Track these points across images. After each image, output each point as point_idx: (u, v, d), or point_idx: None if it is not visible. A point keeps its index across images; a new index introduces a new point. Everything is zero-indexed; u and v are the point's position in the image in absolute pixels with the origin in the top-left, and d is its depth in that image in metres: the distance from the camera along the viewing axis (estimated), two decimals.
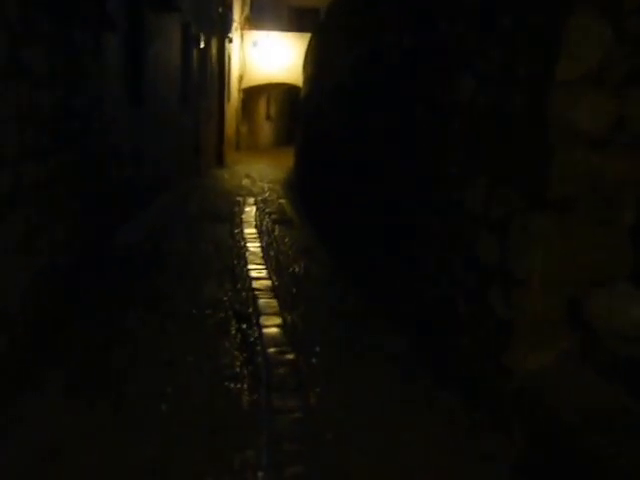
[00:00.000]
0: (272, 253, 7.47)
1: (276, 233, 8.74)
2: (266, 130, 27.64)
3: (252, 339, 4.62)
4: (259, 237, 8.38)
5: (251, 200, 11.89)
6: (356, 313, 5.29)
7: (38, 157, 4.74)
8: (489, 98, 3.61)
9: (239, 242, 8.03)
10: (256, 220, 9.71)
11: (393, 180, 5.36)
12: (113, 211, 7.68)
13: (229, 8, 19.24)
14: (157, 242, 7.73)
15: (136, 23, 8.99)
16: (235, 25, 20.95)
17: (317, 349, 4.46)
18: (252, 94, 24.71)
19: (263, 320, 5.02)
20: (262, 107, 27.16)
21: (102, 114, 7.22)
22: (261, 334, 4.74)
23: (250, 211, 10.57)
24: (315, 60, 11.67)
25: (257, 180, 15.43)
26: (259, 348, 4.45)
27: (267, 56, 23.15)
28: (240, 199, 11.91)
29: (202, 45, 15.16)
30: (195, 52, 14.51)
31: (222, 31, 18.49)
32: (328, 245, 7.68)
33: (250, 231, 8.75)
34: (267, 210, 10.80)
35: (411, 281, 4.73)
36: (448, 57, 4.26)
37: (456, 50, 4.14)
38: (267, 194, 12.96)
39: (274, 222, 9.57)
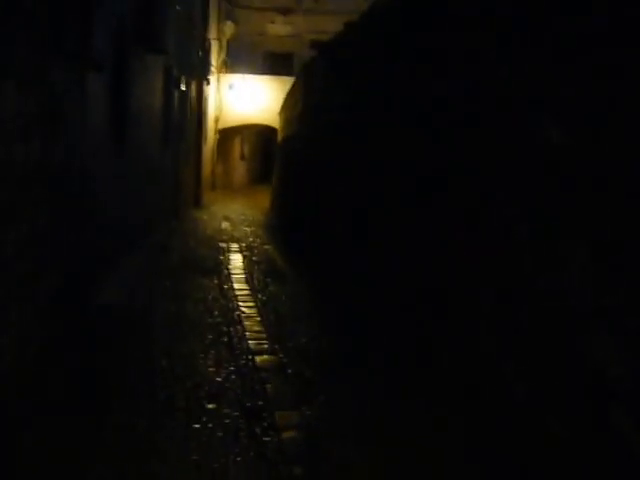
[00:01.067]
0: (271, 317, 6.34)
1: (270, 289, 7.60)
2: (240, 170, 26.58)
3: (271, 453, 3.48)
4: (252, 295, 7.25)
5: (235, 246, 10.76)
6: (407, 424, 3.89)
7: (6, 224, 3.61)
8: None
9: (231, 301, 6.89)
10: (245, 271, 8.58)
11: (408, 236, 4.35)
12: (94, 266, 6.54)
13: (208, 52, 18.24)
14: (141, 303, 6.57)
15: (121, 64, 7.90)
16: (212, 69, 19.97)
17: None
18: (227, 135, 23.67)
19: (279, 419, 3.89)
20: (236, 147, 26.12)
21: (83, 163, 6.09)
22: (280, 441, 3.61)
23: (236, 260, 9.43)
24: (303, 101, 10.68)
25: (237, 223, 14.30)
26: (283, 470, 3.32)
27: (242, 98, 22.19)
28: (224, 245, 10.77)
29: (183, 88, 14.09)
30: (176, 94, 13.43)
31: (201, 74, 17.46)
32: (333, 305, 6.59)
33: (241, 287, 7.60)
34: (254, 258, 9.69)
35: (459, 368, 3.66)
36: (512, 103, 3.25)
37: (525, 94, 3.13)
38: (250, 239, 11.84)
39: (265, 274, 8.43)
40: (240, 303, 6.86)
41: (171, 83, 12.67)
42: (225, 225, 13.72)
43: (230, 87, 22.24)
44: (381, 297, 5.26)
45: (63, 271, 5.52)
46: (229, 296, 7.15)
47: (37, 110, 4.67)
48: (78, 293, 5.94)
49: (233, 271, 8.59)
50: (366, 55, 6.30)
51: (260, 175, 28.81)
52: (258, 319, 6.24)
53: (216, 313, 6.40)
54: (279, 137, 18.72)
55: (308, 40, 24.16)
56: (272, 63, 24.38)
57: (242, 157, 26.86)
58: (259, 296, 7.23)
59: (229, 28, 23.09)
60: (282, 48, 24.26)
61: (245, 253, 10.12)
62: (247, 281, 7.98)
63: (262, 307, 6.70)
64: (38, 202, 4.75)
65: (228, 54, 23.13)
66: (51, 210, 5.10)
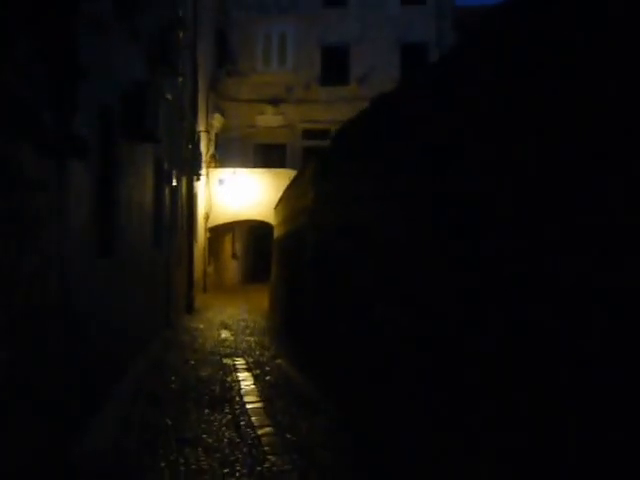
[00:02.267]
0: (316, 475, 4.85)
1: (300, 425, 6.08)
2: (232, 269, 25.29)
3: None
4: (279, 436, 5.76)
5: (241, 363, 9.29)
6: None
7: None
8: None
9: (255, 448, 5.39)
10: (261, 399, 7.09)
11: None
12: (77, 403, 5.11)
13: (197, 145, 17.31)
14: (134, 455, 5.09)
15: (108, 154, 6.72)
16: (202, 164, 19.02)
17: None
18: (217, 232, 22.53)
19: None
20: (227, 245, 24.93)
21: (63, 275, 4.77)
22: None
23: (247, 382, 7.94)
24: (314, 193, 9.50)
25: (238, 331, 12.84)
26: None
27: (233, 193, 21.18)
28: (228, 362, 9.30)
29: (174, 183, 12.99)
30: (167, 190, 12.30)
31: (191, 169, 16.45)
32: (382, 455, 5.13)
33: (262, 423, 6.10)
34: (268, 378, 8.21)
35: None
36: None
37: None
38: (257, 351, 10.37)
39: (286, 401, 6.94)
40: (266, 448, 5.39)
41: (162, 177, 11.55)
42: (225, 335, 12.25)
43: (220, 182, 21.27)
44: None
45: (39, 416, 4.10)
46: (250, 439, 5.66)
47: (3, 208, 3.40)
48: (57, 442, 4.49)
49: (246, 398, 7.10)
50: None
51: (253, 274, 27.54)
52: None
53: (239, 470, 4.92)
54: (276, 233, 17.56)
55: (300, 130, 23.62)
56: (263, 155, 23.60)
57: (234, 255, 25.63)
58: (288, 437, 5.75)
59: (217, 121, 22.39)
60: (273, 139, 23.54)
61: (255, 372, 8.65)
62: (268, 414, 6.49)
63: (299, 458, 5.21)
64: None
65: (217, 148, 22.30)
66: (20, 340, 3.74)
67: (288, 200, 13.58)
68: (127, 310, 7.71)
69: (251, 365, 9.12)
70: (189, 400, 6.91)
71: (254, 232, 27.20)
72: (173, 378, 8.01)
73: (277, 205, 17.22)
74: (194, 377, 8.14)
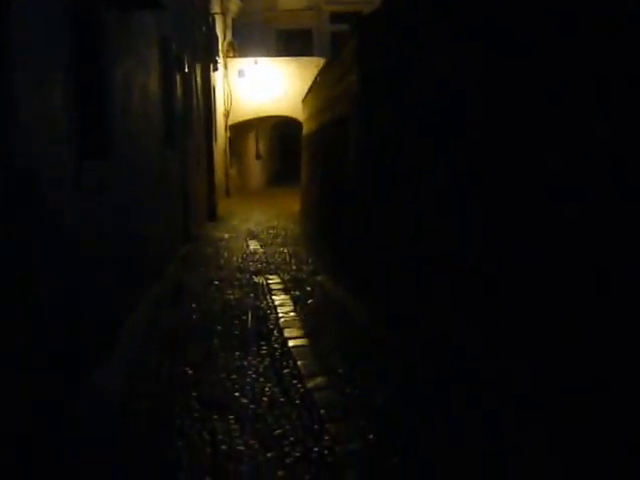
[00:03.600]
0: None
1: (363, 377, 4.61)
2: (256, 171, 23.64)
3: None
4: (341, 400, 4.26)
5: (276, 281, 7.82)
6: None
7: None
8: None
9: (309, 421, 3.93)
10: (307, 334, 5.60)
11: None
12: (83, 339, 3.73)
13: (212, 29, 15.32)
14: (138, 436, 3.70)
15: (90, 20, 5.02)
16: (218, 54, 17.07)
17: None
18: (239, 131, 20.77)
19: None
20: (251, 145, 23.19)
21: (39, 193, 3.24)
22: None
23: (286, 309, 6.43)
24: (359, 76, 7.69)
25: (268, 240, 11.35)
26: None
27: (255, 86, 19.25)
28: (260, 280, 7.84)
29: (186, 69, 11.20)
30: (178, 78, 10.54)
31: (207, 56, 14.56)
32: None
33: (315, 379, 4.61)
34: (310, 303, 6.73)
35: None
36: None
37: None
38: (293, 265, 8.88)
39: (339, 339, 5.47)
40: (322, 412, 3.94)
41: (171, 62, 9.78)
42: (254, 246, 10.77)
43: (240, 74, 19.31)
44: None
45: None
46: (298, 397, 4.22)
47: None
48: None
49: (287, 332, 5.64)
50: None
51: (279, 175, 25.92)
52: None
53: (288, 453, 3.48)
54: (305, 129, 15.79)
55: (328, 12, 21.30)
56: (287, 43, 21.44)
57: (258, 156, 23.92)
58: (349, 391, 4.28)
59: (234, 4, 20.17)
60: (297, 24, 21.31)
61: (294, 293, 7.16)
62: (317, 355, 5.03)
63: (368, 426, 3.75)
64: None
65: (235, 35, 20.20)
66: None
67: (320, 88, 11.75)
68: (133, 226, 6.21)
69: (288, 284, 7.64)
70: (214, 337, 5.47)
71: (279, 129, 25.38)
72: (194, 306, 6.55)
73: (306, 97, 15.36)
74: (220, 304, 6.69)
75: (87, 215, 4.56)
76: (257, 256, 9.73)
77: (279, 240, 11.45)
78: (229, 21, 19.67)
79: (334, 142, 9.59)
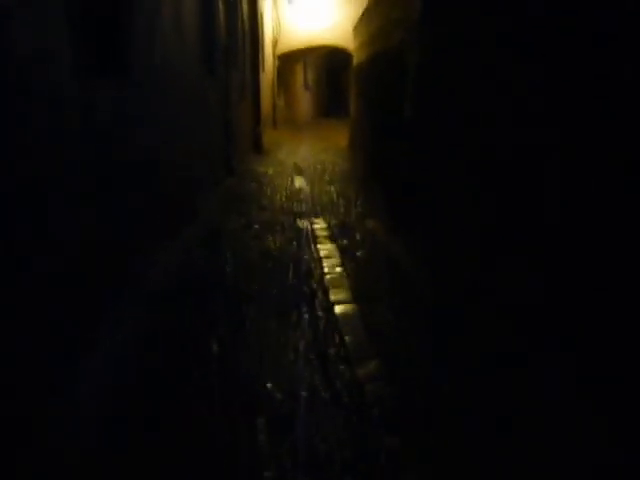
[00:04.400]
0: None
1: (431, 371, 3.56)
2: (304, 102, 22.28)
3: None
4: (400, 397, 3.24)
5: (322, 227, 6.73)
6: None
7: None
8: None
9: (358, 424, 2.93)
10: (356, 298, 4.54)
11: None
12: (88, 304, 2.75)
13: None
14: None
15: None
16: None
17: None
18: (287, 60, 19.39)
19: None
20: (299, 75, 21.76)
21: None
22: None
23: (333, 265, 5.36)
24: None
25: (314, 177, 10.22)
26: None
27: (305, 14, 17.76)
28: (305, 226, 6.77)
29: None
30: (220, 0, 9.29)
31: None
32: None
33: (367, 363, 3.55)
34: (360, 255, 5.63)
35: None
36: None
37: None
38: (341, 208, 7.77)
39: (395, 305, 4.40)
40: (374, 411, 2.93)
41: None
42: (299, 183, 9.67)
43: (289, 1, 17.83)
44: None
45: None
46: (346, 391, 3.19)
47: None
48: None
49: (333, 295, 4.57)
50: None
51: (328, 107, 24.50)
52: None
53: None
54: (356, 59, 14.36)
55: None
56: None
57: (306, 86, 22.51)
58: (408, 389, 3.25)
59: None
60: None
61: (341, 243, 6.07)
62: (369, 328, 3.97)
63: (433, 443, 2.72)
64: None
65: None
66: None
67: (374, 14, 10.35)
68: (163, 157, 5.15)
69: (334, 230, 6.56)
70: (248, 300, 4.45)
71: (328, 59, 23.84)
72: (228, 256, 5.54)
73: (357, 24, 13.88)
74: (258, 253, 5.65)
75: (107, 145, 3.51)
76: (302, 195, 8.64)
77: (326, 177, 10.31)
78: None
79: (388, 73, 8.30)
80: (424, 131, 6.09)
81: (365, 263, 5.39)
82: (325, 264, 5.33)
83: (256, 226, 6.66)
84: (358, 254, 5.65)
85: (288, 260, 5.44)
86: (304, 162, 12.09)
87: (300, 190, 9.00)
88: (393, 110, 7.76)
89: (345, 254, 5.63)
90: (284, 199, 8.28)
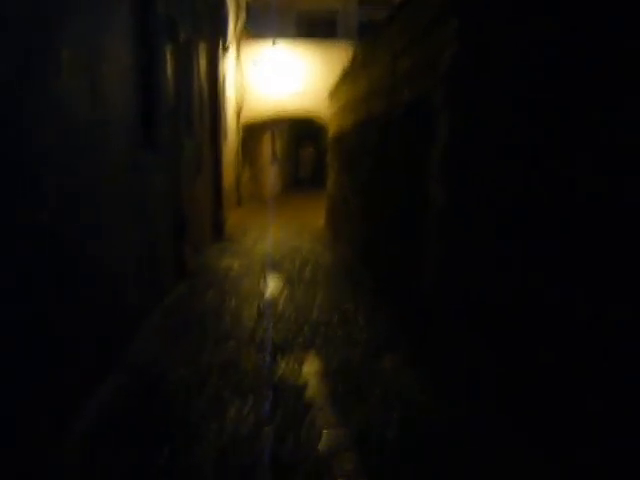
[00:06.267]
0: None
1: None
2: (272, 175, 20.22)
3: None
4: None
5: (317, 373, 4.45)
6: None
7: None
8: None
9: None
10: None
11: None
12: None
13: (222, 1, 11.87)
14: None
15: None
16: (230, 34, 13.69)
17: None
18: (253, 129, 17.40)
19: None
20: (266, 145, 19.77)
21: None
22: None
23: (350, 468, 3.10)
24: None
25: (293, 275, 7.88)
26: None
27: (272, 78, 15.87)
28: (287, 374, 4.45)
29: (182, 40, 7.79)
30: (169, 51, 7.17)
31: (214, 34, 11.16)
32: None
33: None
34: (391, 449, 3.35)
35: None
36: None
37: None
38: (338, 329, 5.47)
39: None
40: None
41: (153, 23, 6.44)
42: (274, 284, 7.33)
43: (255, 63, 15.94)
44: None
45: None
46: None
47: None
48: None
49: None
50: None
51: (298, 180, 22.53)
52: None
53: None
54: (336, 126, 12.36)
55: None
56: (308, 30, 17.99)
57: (274, 159, 20.51)
58: None
59: None
60: (321, 6, 17.84)
61: (355, 416, 3.76)
62: None
63: None
64: None
65: (248, 20, 16.75)
66: None
67: (362, 71, 8.35)
68: (73, 277, 2.87)
69: (339, 386, 4.23)
70: None
71: (298, 128, 22.02)
72: (162, 460, 3.17)
73: (335, 87, 11.93)
74: (213, 451, 3.29)
75: None
76: (280, 306, 6.32)
77: (307, 273, 8.04)
78: (242, 2, 16.25)
79: (395, 143, 6.18)
80: (465, 228, 3.91)
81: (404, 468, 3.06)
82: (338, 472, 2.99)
83: (212, 382, 4.29)
84: (386, 449, 3.31)
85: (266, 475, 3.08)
86: (277, 251, 9.84)
87: (276, 298, 6.69)
88: (404, 193, 5.60)
89: (368, 453, 3.28)
90: (255, 316, 5.95)
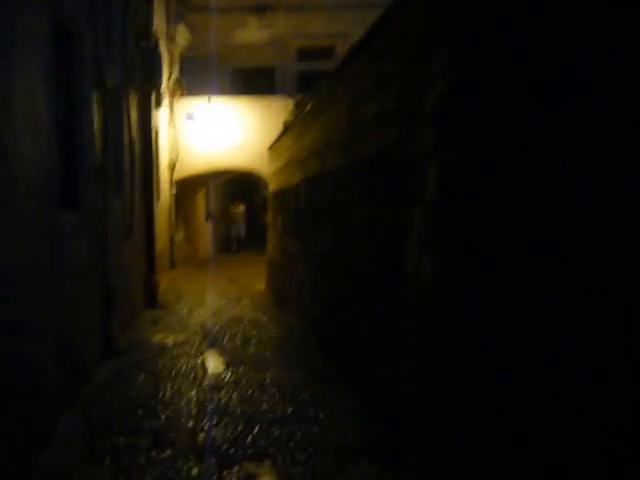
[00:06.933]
0: None
1: None
2: (207, 235, 19.27)
3: None
4: None
5: None
6: None
7: None
8: None
9: None
10: None
11: None
12: None
13: (155, 52, 11.11)
14: None
15: None
16: (163, 87, 12.90)
17: None
18: (187, 186, 16.53)
19: None
20: (201, 203, 18.87)
21: None
22: None
23: None
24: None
25: (234, 351, 6.97)
26: None
27: (208, 132, 15.12)
28: None
29: (110, 86, 6.93)
30: (95, 98, 6.29)
31: (147, 84, 10.36)
32: None
33: None
34: None
35: None
36: None
37: None
38: (295, 425, 4.54)
39: None
40: None
41: (79, 66, 5.60)
42: (214, 364, 6.37)
43: (189, 117, 15.17)
44: None
45: None
46: None
47: None
48: None
49: None
50: None
51: (229, 239, 21.60)
52: None
53: None
54: (277, 183, 11.63)
55: (294, 48, 17.41)
56: (245, 84, 17.38)
57: (209, 217, 19.59)
58: None
59: (182, 36, 16.10)
60: (258, 61, 17.30)
61: None
62: None
63: None
64: None
65: (183, 73, 16.05)
66: None
67: (311, 119, 7.68)
68: None
69: None
70: None
71: (234, 184, 21.26)
72: None
73: (278, 141, 11.27)
74: None
75: None
76: (223, 397, 5.36)
77: (252, 350, 7.11)
78: (176, 55, 15.57)
79: (356, 201, 5.44)
80: (459, 313, 3.15)
81: None
82: None
83: None
84: None
85: None
86: (215, 321, 8.88)
87: (218, 383, 5.73)
88: (376, 263, 4.82)
89: None
90: (194, 410, 4.98)
